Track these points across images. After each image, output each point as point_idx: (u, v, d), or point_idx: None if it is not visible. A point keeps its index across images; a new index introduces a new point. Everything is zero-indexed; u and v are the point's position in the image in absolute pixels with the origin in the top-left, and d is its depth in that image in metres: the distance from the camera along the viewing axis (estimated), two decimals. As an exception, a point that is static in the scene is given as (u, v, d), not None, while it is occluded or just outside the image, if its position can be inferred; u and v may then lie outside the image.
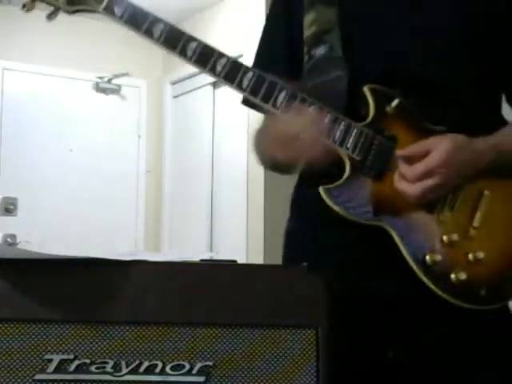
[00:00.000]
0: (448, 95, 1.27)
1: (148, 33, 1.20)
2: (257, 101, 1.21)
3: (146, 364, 0.98)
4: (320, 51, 1.29)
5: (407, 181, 1.18)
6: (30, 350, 0.96)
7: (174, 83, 5.91)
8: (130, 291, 1.00)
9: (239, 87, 1.21)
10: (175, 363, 0.99)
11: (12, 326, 0.96)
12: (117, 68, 5.86)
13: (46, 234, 5.05)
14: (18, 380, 0.96)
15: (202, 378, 0.99)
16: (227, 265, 1.06)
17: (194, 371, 0.99)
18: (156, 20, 1.21)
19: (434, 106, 1.25)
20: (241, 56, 4.90)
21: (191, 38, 1.20)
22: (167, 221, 5.89)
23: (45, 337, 0.97)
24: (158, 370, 0.98)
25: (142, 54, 6.03)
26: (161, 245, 5.89)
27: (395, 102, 1.23)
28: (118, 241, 5.59)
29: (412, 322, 1.26)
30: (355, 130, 1.20)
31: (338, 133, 1.19)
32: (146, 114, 6.07)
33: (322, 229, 1.30)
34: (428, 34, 1.27)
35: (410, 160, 1.19)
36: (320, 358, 1.02)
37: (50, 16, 1.30)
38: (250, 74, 1.20)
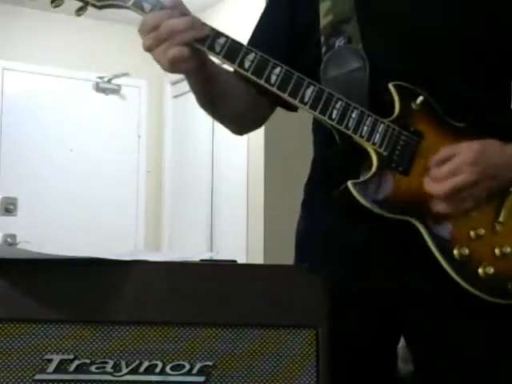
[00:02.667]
0: (465, 96, 1.28)
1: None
2: (284, 96, 1.21)
3: (145, 364, 0.98)
4: (339, 42, 1.29)
5: (435, 180, 1.19)
6: (30, 349, 0.96)
7: (173, 83, 5.91)
8: (130, 291, 1.00)
9: (267, 83, 1.20)
10: (175, 363, 0.99)
11: (12, 326, 0.96)
12: (117, 68, 5.87)
13: (46, 234, 5.05)
14: (18, 380, 0.96)
15: (201, 378, 0.99)
16: (227, 265, 1.06)
17: (194, 371, 0.99)
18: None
19: (452, 105, 1.26)
20: (241, 56, 4.90)
21: (219, 34, 1.20)
22: (167, 221, 5.90)
23: (45, 337, 0.97)
24: (158, 369, 0.98)
25: (142, 54, 5.98)
26: (161, 245, 5.89)
27: (420, 99, 1.24)
28: (118, 241, 5.59)
29: (433, 318, 1.27)
30: (382, 126, 1.22)
31: (366, 128, 1.21)
32: (146, 113, 6.07)
33: (337, 226, 1.32)
34: (444, 35, 1.27)
35: (440, 163, 1.20)
36: (320, 358, 1.02)
37: (79, 11, 1.32)
38: (277, 70, 1.20)
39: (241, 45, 1.20)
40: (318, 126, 1.40)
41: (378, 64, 1.26)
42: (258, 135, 4.68)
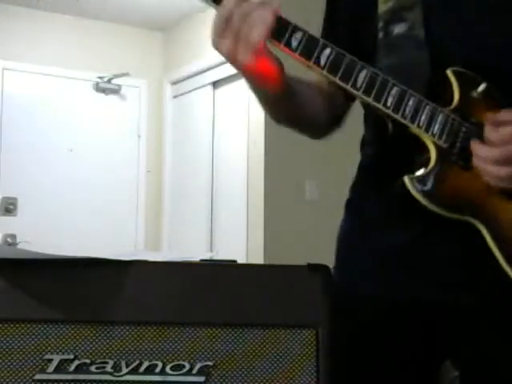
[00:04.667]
0: None
1: None
2: (336, 80, 1.10)
3: (146, 364, 0.98)
4: (399, 29, 1.20)
5: (492, 145, 1.09)
6: (30, 349, 0.96)
7: (173, 83, 5.91)
8: (130, 291, 1.00)
9: (317, 65, 1.10)
10: (175, 363, 0.99)
11: (12, 325, 0.96)
12: (117, 68, 5.87)
13: (46, 234, 5.05)
14: (18, 380, 0.96)
15: (201, 378, 0.99)
16: (227, 265, 1.06)
17: (194, 371, 0.99)
18: None
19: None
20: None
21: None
22: (167, 221, 5.89)
23: (45, 337, 0.97)
24: (158, 369, 0.98)
25: (142, 54, 6.04)
26: (161, 245, 5.89)
27: (482, 87, 1.14)
28: (118, 241, 5.59)
29: (486, 338, 1.17)
30: (441, 115, 1.12)
31: (423, 117, 1.11)
32: (146, 113, 6.07)
33: (386, 226, 1.22)
34: (507, 29, 1.18)
35: (497, 126, 1.09)
36: (320, 358, 1.02)
37: None
38: (327, 51, 1.10)
39: (289, 22, 1.09)
40: (367, 119, 1.31)
41: (441, 53, 1.16)
42: (259, 135, 4.68)
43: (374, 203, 1.25)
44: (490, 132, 1.10)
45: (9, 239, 3.84)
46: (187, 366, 0.99)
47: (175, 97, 5.93)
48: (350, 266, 1.27)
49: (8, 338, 0.96)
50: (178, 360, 0.99)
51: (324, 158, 4.27)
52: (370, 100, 1.11)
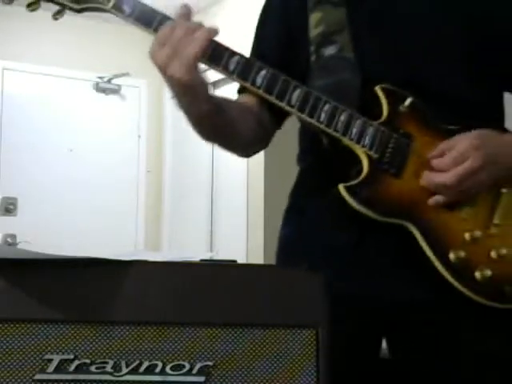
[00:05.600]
0: (456, 104, 1.26)
1: (157, 31, 1.20)
2: (272, 99, 1.20)
3: (146, 364, 0.98)
4: (329, 51, 1.28)
5: (440, 171, 1.17)
6: (30, 349, 0.96)
7: (174, 83, 5.90)
8: (130, 291, 1.00)
9: (253, 85, 1.19)
10: (175, 363, 0.99)
11: (12, 325, 0.96)
12: (117, 68, 5.87)
13: (46, 234, 5.05)
14: (18, 380, 0.96)
15: (201, 378, 0.99)
16: (227, 265, 1.06)
17: (194, 371, 0.99)
18: (165, 18, 1.20)
19: (442, 112, 1.25)
20: (241, 56, 4.91)
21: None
22: (167, 221, 5.90)
23: (45, 337, 0.97)
24: (158, 369, 0.98)
25: (142, 54, 6.00)
26: (161, 245, 5.89)
27: (408, 101, 1.23)
28: (118, 241, 5.59)
29: (429, 324, 1.24)
30: (371, 128, 1.21)
31: (355, 130, 1.20)
32: (146, 114, 6.07)
33: (326, 230, 1.29)
34: (438, 44, 1.27)
35: (441, 155, 1.19)
36: (320, 358, 1.02)
37: (56, 15, 1.31)
38: (263, 72, 1.19)
39: (225, 48, 1.19)
40: (303, 132, 1.40)
41: (369, 72, 1.25)
42: (258, 135, 4.68)
43: (313, 209, 1.32)
44: (437, 161, 1.19)
45: (9, 239, 3.84)
46: (187, 366, 0.99)
47: (175, 97, 5.93)
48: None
49: (8, 338, 0.96)
50: (178, 360, 0.99)
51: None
52: (304, 116, 1.20)
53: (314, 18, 1.31)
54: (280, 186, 4.65)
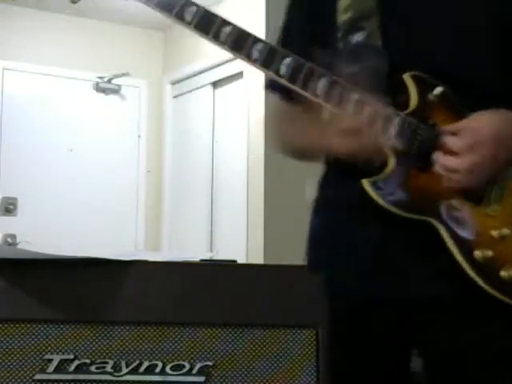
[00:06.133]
0: (483, 95, 1.21)
1: (179, 16, 1.15)
2: (296, 88, 1.14)
3: (146, 364, 0.98)
4: (357, 37, 1.23)
5: (454, 155, 1.12)
6: (30, 349, 0.96)
7: (173, 83, 5.91)
8: (130, 291, 1.00)
9: (277, 74, 1.14)
10: (175, 363, 0.99)
11: (12, 325, 0.96)
12: (117, 68, 5.86)
13: (46, 234, 5.05)
14: (18, 380, 0.96)
15: (202, 378, 0.99)
16: (227, 265, 1.06)
17: (194, 371, 0.99)
18: (187, 3, 1.15)
19: (469, 103, 1.20)
20: (241, 56, 4.91)
21: (225, 22, 1.14)
22: (167, 221, 5.89)
23: (45, 337, 0.97)
24: (158, 369, 0.98)
25: (142, 54, 6.04)
26: (161, 245, 5.89)
27: (438, 90, 1.17)
28: (118, 241, 5.59)
29: (449, 327, 1.21)
30: (398, 119, 1.15)
31: (381, 120, 1.15)
32: (146, 113, 6.07)
33: (350, 226, 1.26)
34: (465, 33, 1.23)
35: (457, 134, 1.14)
36: (320, 358, 1.02)
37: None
38: (288, 60, 1.14)
39: (248, 34, 1.14)
40: None
41: (396, 60, 1.19)
42: (258, 135, 4.68)
43: (338, 202, 1.28)
44: (450, 142, 1.13)
45: (9, 239, 3.84)
46: (187, 366, 0.99)
47: (175, 97, 5.93)
48: (324, 266, 1.28)
49: (8, 338, 0.96)
50: (178, 360, 0.99)
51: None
52: (329, 106, 1.14)
53: (343, 3, 1.26)
54: (280, 185, 4.66)
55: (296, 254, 1.40)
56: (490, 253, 1.14)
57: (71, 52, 5.72)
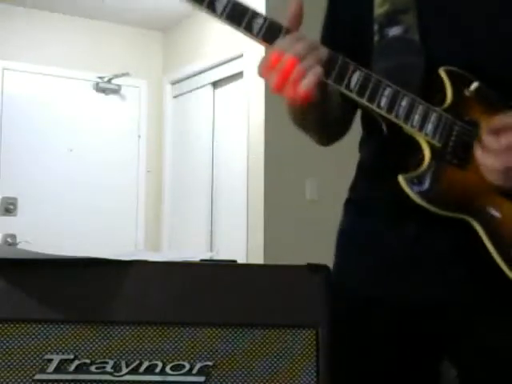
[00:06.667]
0: None
1: (211, 7, 1.09)
2: (329, 81, 1.11)
3: (146, 364, 0.98)
4: (394, 31, 1.20)
5: (491, 153, 1.10)
6: (30, 349, 0.96)
7: (173, 83, 5.91)
8: (130, 291, 1.00)
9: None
10: (175, 363, 0.99)
11: (12, 325, 0.96)
12: (117, 68, 5.86)
13: (46, 234, 5.05)
14: (18, 380, 0.96)
15: (202, 378, 0.99)
16: (227, 265, 1.06)
17: (194, 371, 0.99)
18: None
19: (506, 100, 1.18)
20: (241, 56, 4.91)
21: (256, 14, 1.11)
22: (167, 221, 5.89)
23: (45, 337, 0.97)
24: (158, 369, 0.98)
25: (142, 54, 6.04)
26: (161, 245, 5.89)
27: (475, 85, 1.15)
28: (118, 241, 5.59)
29: (484, 325, 1.18)
30: (434, 115, 1.13)
31: (417, 117, 1.12)
32: (146, 114, 6.07)
33: (383, 226, 1.23)
34: (503, 30, 1.20)
35: (496, 133, 1.11)
36: (320, 358, 1.02)
37: None
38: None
39: (280, 25, 1.11)
40: (364, 118, 1.32)
41: (434, 56, 1.17)
42: (258, 135, 4.68)
43: (372, 203, 1.25)
44: (490, 141, 1.11)
45: (9, 239, 3.84)
46: (187, 366, 0.99)
47: (175, 97, 5.93)
48: (355, 268, 1.27)
49: (8, 338, 0.96)
50: (178, 360, 0.99)
51: (324, 158, 4.26)
52: (363, 101, 1.12)
53: None
54: (280, 185, 4.66)
55: (296, 254, 1.40)
56: None
57: (71, 52, 5.72)
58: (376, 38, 1.22)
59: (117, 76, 5.87)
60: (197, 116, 5.66)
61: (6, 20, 5.49)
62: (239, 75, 4.97)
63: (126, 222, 5.88)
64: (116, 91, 5.97)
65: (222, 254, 4.89)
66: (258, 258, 4.55)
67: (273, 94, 1.11)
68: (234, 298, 1.01)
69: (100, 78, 5.87)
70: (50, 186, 5.57)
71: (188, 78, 5.71)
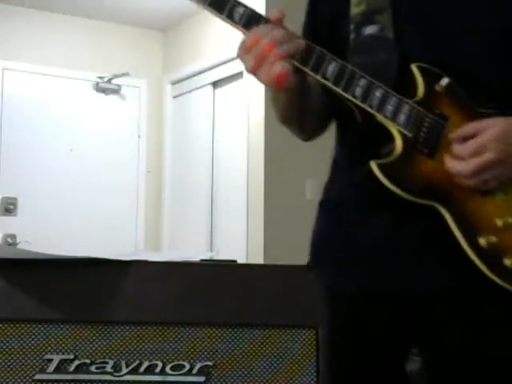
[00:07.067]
0: (488, 91, 1.24)
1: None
2: (306, 70, 1.17)
3: (146, 364, 0.98)
4: (369, 30, 1.26)
5: (459, 159, 1.16)
6: (30, 349, 0.96)
7: (173, 83, 5.91)
8: (130, 291, 1.00)
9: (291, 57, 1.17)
10: (175, 363, 0.99)
11: (12, 325, 0.96)
12: (117, 68, 5.87)
13: (46, 234, 5.05)
14: (18, 380, 0.96)
15: (202, 378, 0.99)
16: (227, 265, 1.06)
17: (194, 371, 0.99)
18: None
19: (482, 96, 1.22)
20: (241, 56, 4.91)
21: (237, 3, 1.16)
22: (167, 221, 5.90)
23: (45, 337, 0.97)
24: (158, 369, 0.98)
25: (142, 54, 6.04)
26: (161, 245, 5.89)
27: (445, 81, 1.21)
28: (118, 241, 5.59)
29: (453, 309, 1.22)
30: (406, 106, 1.18)
31: (390, 107, 1.18)
32: (146, 114, 6.07)
33: (357, 215, 1.27)
34: (474, 31, 1.25)
35: (463, 140, 1.17)
36: (320, 358, 1.02)
37: None
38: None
39: (260, 15, 1.17)
40: (339, 119, 1.37)
41: (408, 53, 1.23)
42: (258, 135, 4.68)
43: (347, 196, 1.30)
44: (458, 148, 1.17)
45: (9, 239, 3.84)
46: (187, 366, 0.99)
47: (175, 97, 5.93)
48: (330, 265, 1.29)
49: (8, 338, 0.96)
50: (178, 360, 0.99)
51: (324, 158, 4.26)
52: (339, 90, 1.17)
53: None
54: (280, 185, 4.65)
55: (296, 254, 1.40)
56: (493, 239, 1.16)
57: (71, 52, 5.72)
58: (352, 36, 1.28)
59: (117, 76, 5.87)
60: (197, 116, 5.66)
61: (5, 20, 5.49)
62: (239, 75, 4.97)
63: (125, 222, 5.88)
64: (116, 91, 5.97)
65: (222, 254, 4.89)
66: (258, 258, 4.55)
67: (248, 74, 1.17)
68: (234, 298, 1.01)
69: (100, 77, 5.87)
70: (50, 186, 5.57)
71: (188, 78, 5.71)
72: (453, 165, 1.16)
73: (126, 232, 5.84)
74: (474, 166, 1.14)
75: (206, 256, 1.10)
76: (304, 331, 1.02)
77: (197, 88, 5.62)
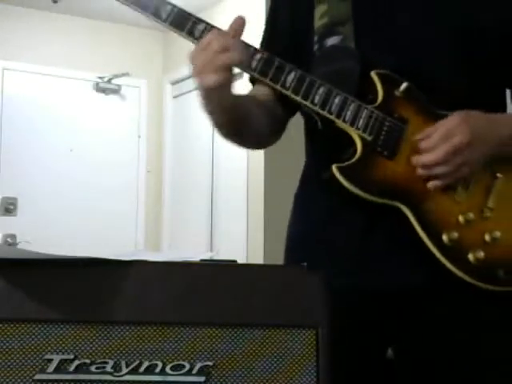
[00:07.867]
0: (449, 96, 1.27)
1: (156, 15, 1.25)
2: (266, 81, 1.23)
3: (145, 364, 0.98)
4: (332, 41, 1.30)
5: (425, 151, 1.19)
6: (30, 349, 0.96)
7: (173, 83, 5.91)
8: (130, 291, 1.00)
9: (248, 69, 1.24)
10: (175, 363, 0.99)
11: (12, 325, 0.96)
12: (117, 68, 5.87)
13: (46, 234, 5.05)
14: (18, 380, 0.96)
15: (202, 378, 0.99)
16: (227, 265, 1.06)
17: (194, 371, 0.99)
18: (164, 2, 1.25)
19: (443, 101, 1.26)
20: (241, 56, 4.91)
21: (199, 20, 1.26)
22: (167, 221, 5.90)
23: (45, 337, 0.97)
24: (158, 369, 0.98)
25: (142, 54, 6.04)
26: (161, 245, 5.89)
27: (404, 86, 1.24)
28: (118, 241, 5.59)
29: (423, 308, 1.25)
30: (365, 111, 1.22)
31: (349, 113, 1.22)
32: (146, 114, 6.07)
33: (327, 224, 1.31)
34: (435, 40, 1.29)
35: (427, 137, 1.20)
36: (320, 358, 1.02)
37: None
38: (258, 56, 1.23)
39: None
40: (307, 126, 1.41)
41: (369, 61, 1.27)
42: (258, 135, 4.67)
43: (314, 198, 1.36)
44: (422, 143, 1.20)
45: (9, 239, 3.84)
46: (187, 366, 0.99)
47: (175, 97, 5.93)
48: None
49: (8, 338, 0.96)
50: (178, 360, 0.99)
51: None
52: (298, 98, 1.22)
53: (319, 10, 1.33)
54: (280, 185, 4.66)
55: (296, 254, 1.41)
56: (456, 235, 1.19)
57: (71, 52, 5.72)
58: (316, 47, 1.32)
59: (117, 76, 5.87)
60: (197, 116, 5.66)
61: (5, 20, 5.49)
62: (239, 75, 4.97)
63: (125, 222, 5.88)
64: (116, 91, 5.97)
65: (222, 254, 4.89)
66: (258, 258, 4.55)
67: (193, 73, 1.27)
68: (234, 298, 1.01)
69: (100, 78, 5.87)
70: (50, 186, 5.57)
71: (188, 78, 5.70)
72: (421, 158, 1.19)
73: (125, 232, 5.84)
74: (444, 152, 1.17)
75: (206, 256, 1.10)
76: (304, 331, 1.02)
77: (197, 88, 5.62)
